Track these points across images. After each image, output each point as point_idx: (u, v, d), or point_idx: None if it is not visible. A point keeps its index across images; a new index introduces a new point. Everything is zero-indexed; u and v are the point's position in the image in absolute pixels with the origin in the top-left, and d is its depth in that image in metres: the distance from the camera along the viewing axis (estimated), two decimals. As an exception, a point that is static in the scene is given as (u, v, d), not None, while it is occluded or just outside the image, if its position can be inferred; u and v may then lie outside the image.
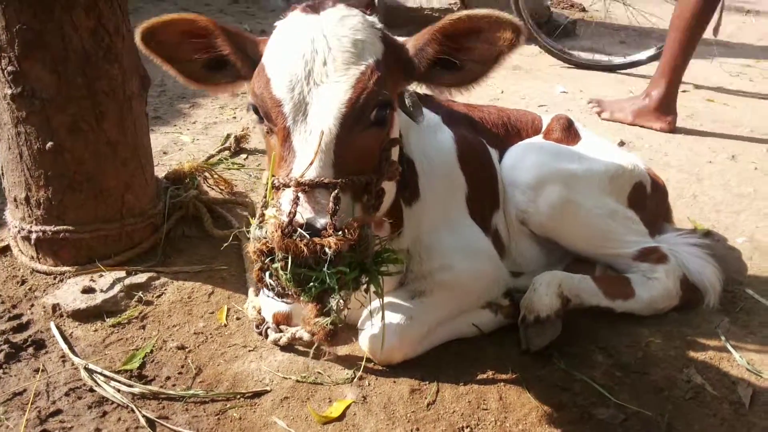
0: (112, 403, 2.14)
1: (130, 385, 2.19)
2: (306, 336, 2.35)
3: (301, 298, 1.65)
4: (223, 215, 3.17)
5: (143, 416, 2.08)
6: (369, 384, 2.29)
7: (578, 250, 2.79)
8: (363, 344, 2.33)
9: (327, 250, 1.54)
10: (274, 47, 1.86)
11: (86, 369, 2.25)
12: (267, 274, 1.65)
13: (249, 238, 1.69)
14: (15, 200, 2.69)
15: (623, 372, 2.41)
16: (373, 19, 1.93)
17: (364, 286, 1.75)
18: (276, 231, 1.56)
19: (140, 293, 2.64)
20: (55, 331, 2.43)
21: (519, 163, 2.75)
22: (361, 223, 1.65)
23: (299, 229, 1.56)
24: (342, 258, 1.57)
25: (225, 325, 2.55)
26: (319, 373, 2.32)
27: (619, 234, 2.73)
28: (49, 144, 2.51)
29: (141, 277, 2.69)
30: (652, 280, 2.67)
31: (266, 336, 2.45)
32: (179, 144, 4.11)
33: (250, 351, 2.42)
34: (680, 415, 2.20)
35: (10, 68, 2.41)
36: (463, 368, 2.38)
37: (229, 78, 2.04)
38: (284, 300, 1.78)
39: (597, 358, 2.47)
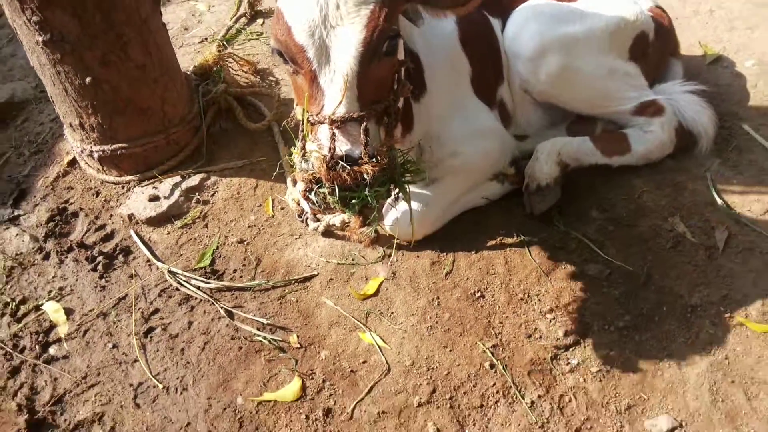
0: (196, 298, 2.72)
1: (207, 282, 2.75)
2: (338, 222, 2.80)
3: (346, 214, 2.03)
4: (253, 103, 3.45)
5: (222, 308, 2.66)
6: (397, 260, 2.77)
7: (579, 111, 3.00)
8: (389, 227, 2.75)
9: (365, 176, 1.89)
10: None
11: (170, 272, 2.80)
12: (312, 193, 2.00)
13: (293, 166, 2.05)
14: (71, 125, 3.05)
15: (615, 225, 2.79)
16: None
17: (395, 194, 2.14)
18: (322, 165, 1.89)
19: (197, 195, 3.09)
20: (136, 239, 2.96)
21: (520, 34, 2.85)
22: (389, 146, 2.00)
23: (341, 162, 1.90)
24: (377, 178, 1.92)
25: (272, 216, 3.01)
26: (355, 255, 2.80)
27: (618, 92, 2.90)
28: (88, 79, 2.79)
29: (194, 180, 3.11)
30: (648, 133, 2.90)
31: (307, 225, 2.90)
32: (197, 15, 4.22)
33: (296, 239, 2.91)
34: (659, 265, 2.62)
35: (35, 18, 2.61)
36: (475, 237, 2.82)
37: None
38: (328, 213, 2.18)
39: (593, 214, 2.85)
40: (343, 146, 1.90)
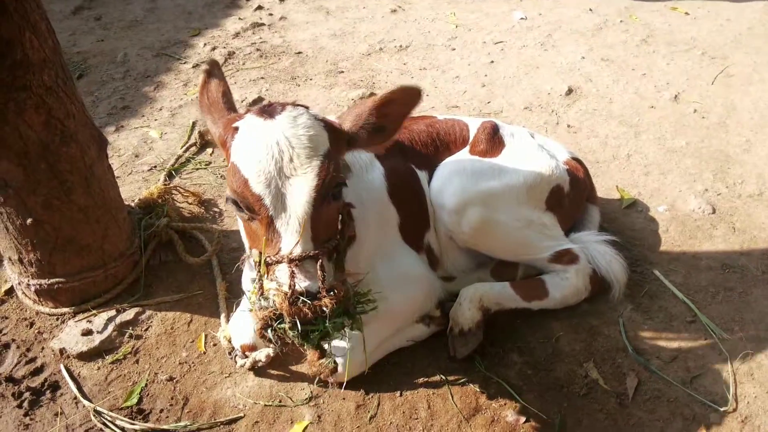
0: (121, 441, 2.72)
1: (132, 423, 2.75)
2: (263, 357, 2.87)
3: (305, 348, 2.18)
4: (195, 236, 3.57)
5: (145, 451, 2.66)
6: (323, 402, 2.83)
7: (500, 258, 3.20)
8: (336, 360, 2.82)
9: (324, 308, 2.03)
10: (243, 150, 2.20)
11: (95, 411, 2.81)
12: (269, 330, 2.12)
13: (251, 308, 2.17)
14: (10, 260, 3.12)
15: (533, 369, 2.93)
16: (316, 112, 2.31)
17: (349, 326, 2.23)
18: (284, 301, 2.03)
19: (130, 329, 3.14)
20: (65, 375, 2.96)
21: (444, 187, 3.07)
22: (341, 279, 2.17)
23: (301, 297, 2.04)
24: (335, 310, 2.06)
25: (204, 353, 3.07)
26: (282, 395, 2.86)
27: (535, 241, 3.12)
28: (29, 220, 2.88)
29: (129, 314, 3.17)
30: (564, 280, 3.10)
31: (235, 361, 2.97)
32: (149, 142, 4.40)
33: (226, 377, 2.96)
34: (573, 412, 2.74)
35: (-20, 166, 2.73)
36: (400, 378, 2.91)
37: None
38: (285, 349, 2.25)
39: (513, 358, 2.98)
40: (302, 282, 2.06)
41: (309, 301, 2.03)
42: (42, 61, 2.64)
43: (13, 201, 2.83)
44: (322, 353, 2.25)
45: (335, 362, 2.59)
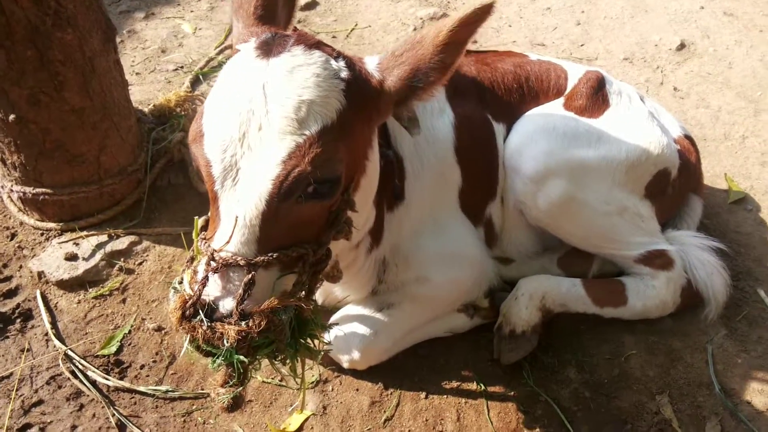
0: (89, 396, 2.29)
1: (105, 377, 2.32)
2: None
3: (209, 366, 1.60)
4: (212, 158, 3.02)
5: (115, 414, 2.23)
6: (332, 389, 2.35)
7: (576, 246, 2.58)
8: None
9: (225, 340, 1.47)
10: (217, 94, 1.61)
11: (66, 356, 2.37)
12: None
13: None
14: (-7, 158, 2.63)
15: (592, 393, 2.37)
16: (340, 63, 1.62)
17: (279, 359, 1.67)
18: (177, 310, 1.49)
19: (122, 261, 2.67)
20: (40, 304, 2.53)
21: (524, 148, 2.43)
22: (277, 305, 1.53)
23: (200, 313, 1.48)
24: (244, 343, 1.48)
25: (203, 303, 2.58)
26: (284, 372, 2.37)
27: (625, 234, 2.49)
28: (12, 116, 2.38)
29: (122, 242, 2.69)
30: (650, 288, 2.48)
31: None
32: (179, 36, 3.80)
33: (223, 338, 2.48)
34: (634, 458, 2.21)
35: (-46, 39, 2.19)
36: (428, 375, 2.40)
37: None
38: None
39: (569, 374, 2.43)
40: (213, 291, 1.51)
41: (206, 322, 1.46)
42: None
43: (-7, 91, 2.31)
44: (228, 379, 1.59)
45: (239, 397, 1.68)
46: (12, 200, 2.79)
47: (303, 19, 4.07)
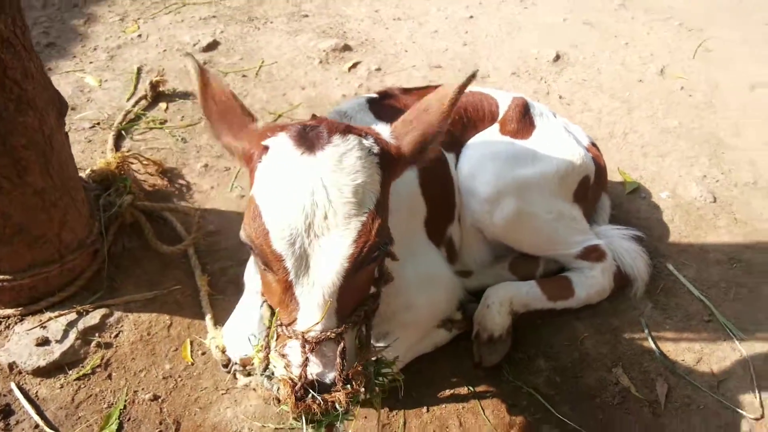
0: (100, 481, 2.24)
1: (114, 459, 2.28)
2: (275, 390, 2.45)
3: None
4: (163, 217, 3.00)
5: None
6: (341, 423, 2.48)
7: (528, 252, 2.94)
8: None
9: (337, 406, 1.66)
10: (269, 192, 1.72)
11: (66, 445, 2.29)
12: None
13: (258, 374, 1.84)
14: (-63, 250, 2.44)
15: (562, 376, 2.72)
16: (369, 141, 1.80)
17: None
18: (290, 395, 1.64)
19: (97, 336, 2.59)
20: (19, 396, 2.40)
21: (477, 173, 2.72)
22: (365, 359, 1.77)
23: (311, 391, 1.65)
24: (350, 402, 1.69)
25: (192, 364, 2.60)
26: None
27: (565, 236, 2.87)
28: (-32, 206, 2.23)
29: (93, 317, 2.62)
30: (590, 278, 2.90)
31: (235, 378, 2.53)
32: (86, 91, 3.65)
33: (223, 394, 2.52)
34: (610, 424, 2.58)
35: None
36: (423, 390, 2.62)
37: None
38: None
39: (540, 364, 2.76)
40: (315, 368, 1.67)
41: (319, 398, 1.65)
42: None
43: (-53, 183, 2.17)
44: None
45: None
46: (-43, 292, 2.59)
47: (208, 60, 4.06)
